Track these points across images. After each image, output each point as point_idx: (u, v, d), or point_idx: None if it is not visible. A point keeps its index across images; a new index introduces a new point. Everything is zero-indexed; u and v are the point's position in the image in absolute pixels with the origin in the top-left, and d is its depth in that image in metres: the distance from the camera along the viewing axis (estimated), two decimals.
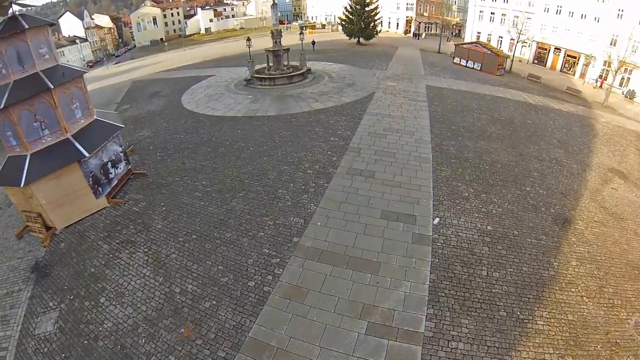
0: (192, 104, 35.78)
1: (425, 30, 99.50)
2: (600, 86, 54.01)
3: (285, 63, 41.77)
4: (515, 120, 32.47)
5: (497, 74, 52.21)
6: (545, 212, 19.64)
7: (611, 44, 57.20)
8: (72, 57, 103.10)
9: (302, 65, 42.65)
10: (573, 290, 15.10)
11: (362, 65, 50.10)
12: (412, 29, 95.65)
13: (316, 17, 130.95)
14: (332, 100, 33.92)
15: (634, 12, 53.91)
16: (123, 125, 22.82)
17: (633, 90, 52.74)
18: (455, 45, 56.63)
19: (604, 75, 57.06)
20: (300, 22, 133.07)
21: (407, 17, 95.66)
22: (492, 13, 75.28)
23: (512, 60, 59.53)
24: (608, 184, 23.88)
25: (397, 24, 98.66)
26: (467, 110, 33.66)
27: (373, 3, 71.25)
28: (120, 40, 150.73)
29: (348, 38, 73.69)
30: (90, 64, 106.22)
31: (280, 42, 39.61)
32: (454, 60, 56.72)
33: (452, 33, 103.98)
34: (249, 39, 40.03)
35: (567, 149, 27.77)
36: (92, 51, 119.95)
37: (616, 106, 44.62)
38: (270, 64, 41.63)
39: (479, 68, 53.73)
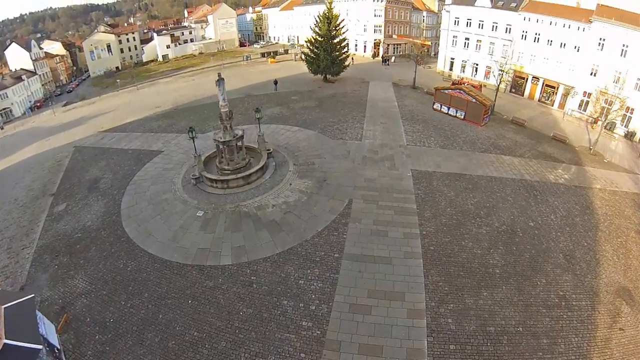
0: (133, 222, 28.98)
1: (394, 52, 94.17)
2: (596, 122, 50.18)
3: (241, 144, 34.59)
4: (517, 226, 27.28)
5: (482, 124, 47.42)
6: None
7: (592, 74, 54.30)
8: (17, 99, 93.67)
9: (261, 148, 35.91)
10: None
11: (333, 129, 43.19)
12: (381, 52, 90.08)
13: (278, 37, 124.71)
14: (300, 225, 26.68)
15: (615, 42, 50.72)
16: (41, 347, 16.40)
17: (613, 122, 49.78)
18: (436, 89, 51.33)
19: (590, 111, 53.58)
20: (262, 43, 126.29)
21: (375, 40, 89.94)
22: (466, 39, 70.66)
23: (494, 101, 54.64)
24: (616, 321, 20.38)
25: (365, 47, 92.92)
26: (464, 220, 27.85)
27: (341, 34, 64.96)
28: (74, 68, 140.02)
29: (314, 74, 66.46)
30: (38, 105, 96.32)
31: (231, 126, 32.60)
32: (434, 107, 51.58)
33: (422, 53, 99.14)
34: (191, 130, 32.74)
35: (574, 270, 23.54)
36: (43, 84, 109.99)
37: (601, 148, 42.08)
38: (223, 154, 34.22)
39: (462, 117, 48.72)
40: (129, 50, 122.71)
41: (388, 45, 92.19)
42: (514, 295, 21.66)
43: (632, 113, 49.59)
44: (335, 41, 63.55)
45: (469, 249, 24.89)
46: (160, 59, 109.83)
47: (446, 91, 49.80)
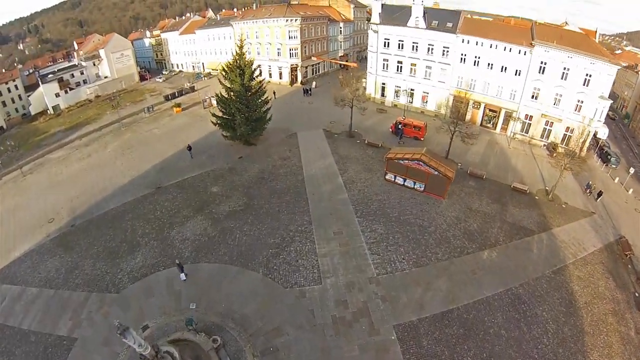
0: None
1: (313, 74, 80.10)
2: (555, 150, 47.42)
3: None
4: None
5: (445, 197, 36.38)
6: None
7: (533, 98, 49.43)
8: None
9: (206, 346, 21.26)
10: None
11: (280, 263, 29.37)
12: (299, 78, 75.42)
13: (182, 65, 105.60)
14: None
15: (556, 66, 46.13)
16: None
17: (556, 143, 48.63)
18: (388, 159, 38.40)
19: (547, 139, 50.69)
20: (165, 73, 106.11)
21: (292, 64, 74.82)
22: (399, 62, 58.40)
23: (448, 150, 43.70)
24: None
25: (280, 73, 77.53)
26: None
27: (258, 84, 47.95)
28: None
29: None
30: None
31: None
32: (387, 177, 39.42)
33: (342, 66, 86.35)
34: None
35: None
36: None
37: (559, 189, 39.14)
38: None
39: (422, 189, 37.55)
40: (13, 102, 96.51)
41: (306, 67, 77.73)
42: None
43: (572, 132, 46.85)
44: (251, 93, 46.81)
45: None
46: (50, 110, 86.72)
47: (401, 161, 37.28)
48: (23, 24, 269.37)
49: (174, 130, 58.11)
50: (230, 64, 46.04)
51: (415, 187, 37.57)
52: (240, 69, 45.47)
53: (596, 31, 58.55)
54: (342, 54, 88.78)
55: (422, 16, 53.37)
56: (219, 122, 47.40)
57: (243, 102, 45.28)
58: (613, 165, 48.68)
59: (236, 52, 46.05)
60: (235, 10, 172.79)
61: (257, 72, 47.62)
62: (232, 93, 46.16)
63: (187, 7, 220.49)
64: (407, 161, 36.80)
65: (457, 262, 29.50)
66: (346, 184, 39.08)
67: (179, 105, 66.36)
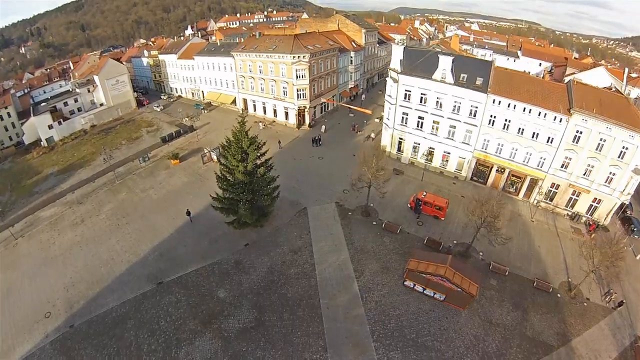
0: None
1: (322, 112, 77.02)
2: (591, 230, 45.93)
3: None
4: None
5: (466, 308, 34.84)
6: None
7: (563, 167, 47.06)
8: None
9: None
10: None
11: None
12: (307, 120, 72.24)
13: (181, 90, 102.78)
14: None
15: (592, 136, 43.79)
16: None
17: (579, 214, 47.65)
18: (409, 269, 36.08)
19: (572, 208, 48.65)
20: (163, 97, 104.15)
21: (299, 106, 71.56)
22: (420, 118, 55.18)
23: (471, 242, 40.68)
24: None
25: (287, 113, 74.30)
26: None
27: (264, 164, 42.46)
28: None
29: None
30: None
31: None
32: (405, 283, 37.14)
33: (351, 99, 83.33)
34: None
35: None
36: None
37: (584, 286, 37.28)
38: None
39: (442, 299, 35.48)
40: (6, 130, 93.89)
41: (315, 107, 74.51)
42: None
43: (599, 203, 46.31)
44: (257, 174, 41.37)
45: None
46: (44, 142, 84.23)
47: (423, 275, 34.74)
48: (26, 27, 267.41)
49: (172, 193, 55.43)
50: (230, 144, 40.06)
51: (435, 296, 35.65)
52: (243, 152, 39.64)
53: (624, 71, 55.28)
54: (352, 86, 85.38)
55: (450, 69, 49.65)
56: (220, 206, 41.87)
57: (247, 188, 40.15)
58: (636, 236, 46.14)
59: (236, 129, 39.86)
60: (238, 15, 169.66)
61: (263, 149, 41.55)
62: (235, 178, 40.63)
63: (189, 10, 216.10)
64: (429, 275, 34.31)
65: None
66: (362, 292, 36.78)
67: (176, 156, 63.70)
